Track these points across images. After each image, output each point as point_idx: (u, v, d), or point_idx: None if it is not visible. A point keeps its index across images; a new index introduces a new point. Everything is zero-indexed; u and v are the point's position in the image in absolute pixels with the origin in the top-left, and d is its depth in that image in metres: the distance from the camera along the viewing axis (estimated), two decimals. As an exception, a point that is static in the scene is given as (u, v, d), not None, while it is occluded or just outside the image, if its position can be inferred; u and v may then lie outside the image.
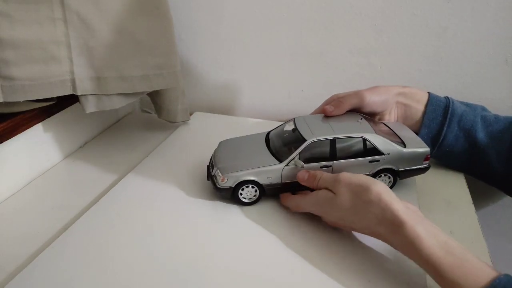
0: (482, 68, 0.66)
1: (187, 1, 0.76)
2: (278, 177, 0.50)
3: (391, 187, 0.54)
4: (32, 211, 0.53)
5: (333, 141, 0.50)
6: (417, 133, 0.57)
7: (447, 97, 0.58)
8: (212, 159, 0.54)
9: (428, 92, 0.58)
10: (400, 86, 0.58)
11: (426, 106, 0.57)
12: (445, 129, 0.56)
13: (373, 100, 0.55)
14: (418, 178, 0.56)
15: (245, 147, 0.54)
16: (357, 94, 0.55)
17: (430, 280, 0.41)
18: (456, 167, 0.61)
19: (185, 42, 0.80)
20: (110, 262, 0.44)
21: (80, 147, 0.70)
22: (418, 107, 0.57)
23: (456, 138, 0.56)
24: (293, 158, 0.49)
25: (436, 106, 0.56)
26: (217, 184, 0.51)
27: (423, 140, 0.55)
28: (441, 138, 0.57)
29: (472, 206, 0.54)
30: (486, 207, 0.76)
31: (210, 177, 0.53)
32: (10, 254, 0.46)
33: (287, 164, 0.49)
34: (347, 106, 0.55)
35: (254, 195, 0.51)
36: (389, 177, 0.53)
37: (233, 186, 0.50)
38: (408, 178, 0.55)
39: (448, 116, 0.56)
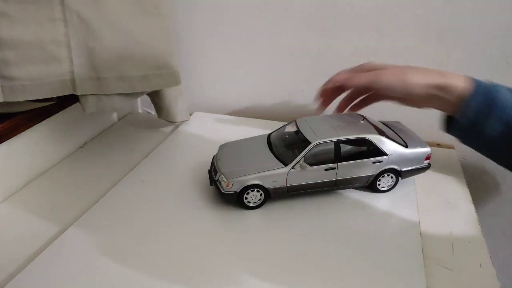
0: (483, 69, 0.66)
1: (187, 1, 0.75)
2: (283, 181, 0.50)
3: (393, 187, 0.54)
4: (32, 211, 0.53)
5: (337, 143, 0.50)
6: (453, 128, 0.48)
7: (494, 86, 0.47)
8: (215, 163, 0.54)
9: (471, 81, 0.47)
10: (436, 73, 0.48)
11: (465, 102, 0.46)
12: (486, 127, 0.45)
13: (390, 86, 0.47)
14: (418, 178, 0.57)
15: (248, 151, 0.54)
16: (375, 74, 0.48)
17: (430, 281, 0.41)
18: (503, 165, 0.50)
19: (185, 42, 0.80)
20: (109, 262, 0.43)
21: (80, 147, 0.70)
22: (456, 102, 0.46)
23: (499, 136, 0.45)
24: (298, 161, 0.49)
25: (476, 106, 0.46)
26: (221, 189, 0.50)
27: (460, 133, 0.48)
28: (481, 135, 0.46)
29: (472, 206, 0.54)
30: (486, 207, 0.76)
31: (214, 182, 0.52)
32: (10, 254, 0.46)
33: (292, 167, 0.49)
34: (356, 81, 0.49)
35: (259, 199, 0.51)
36: (392, 177, 0.53)
37: (238, 191, 0.50)
38: (408, 178, 0.56)
39: (490, 114, 0.45)
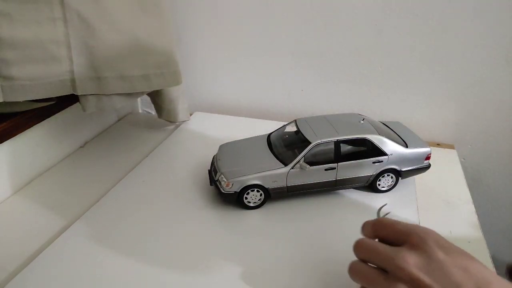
0: (482, 68, 0.66)
1: (187, 1, 0.75)
2: (283, 181, 0.50)
3: (393, 187, 0.54)
4: (32, 211, 0.53)
5: (337, 143, 0.50)
6: None
7: None
8: (215, 163, 0.54)
9: None
10: None
11: None
12: None
13: None
14: (418, 177, 0.57)
15: (248, 151, 0.54)
16: None
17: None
18: None
19: (185, 42, 0.80)
20: (109, 262, 0.43)
21: (80, 147, 0.70)
22: None
23: None
24: (298, 161, 0.49)
25: None
26: (221, 189, 0.50)
27: None
28: None
29: (472, 206, 0.54)
30: (486, 207, 0.76)
31: (214, 182, 0.52)
32: (10, 254, 0.46)
33: (292, 167, 0.49)
34: None
35: (259, 199, 0.51)
36: (392, 177, 0.53)
37: (238, 190, 0.50)
38: (408, 178, 0.56)
39: None
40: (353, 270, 0.35)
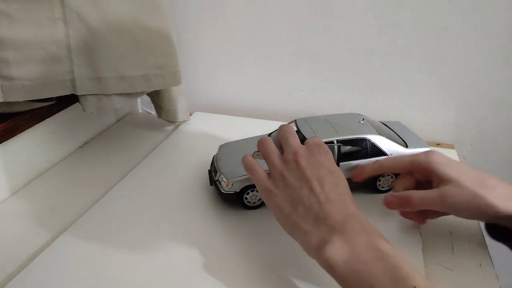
0: (482, 68, 0.66)
1: (187, 1, 0.76)
2: None
3: (393, 187, 0.54)
4: (32, 211, 0.53)
5: (337, 143, 0.50)
6: None
7: None
8: (215, 163, 0.54)
9: None
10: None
11: None
12: None
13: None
14: (418, 178, 0.56)
15: (248, 151, 0.54)
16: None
17: (430, 281, 0.41)
18: None
19: (185, 42, 0.80)
20: (109, 263, 0.43)
21: (80, 147, 0.70)
22: None
23: None
24: None
25: None
26: (221, 189, 0.50)
27: None
28: None
29: (472, 206, 0.53)
30: (486, 207, 0.76)
31: (214, 182, 0.52)
32: (10, 254, 0.46)
33: None
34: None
35: (259, 199, 0.51)
36: (392, 177, 0.53)
37: (238, 190, 0.50)
38: (408, 178, 0.56)
39: None
40: (262, 140, 0.45)
